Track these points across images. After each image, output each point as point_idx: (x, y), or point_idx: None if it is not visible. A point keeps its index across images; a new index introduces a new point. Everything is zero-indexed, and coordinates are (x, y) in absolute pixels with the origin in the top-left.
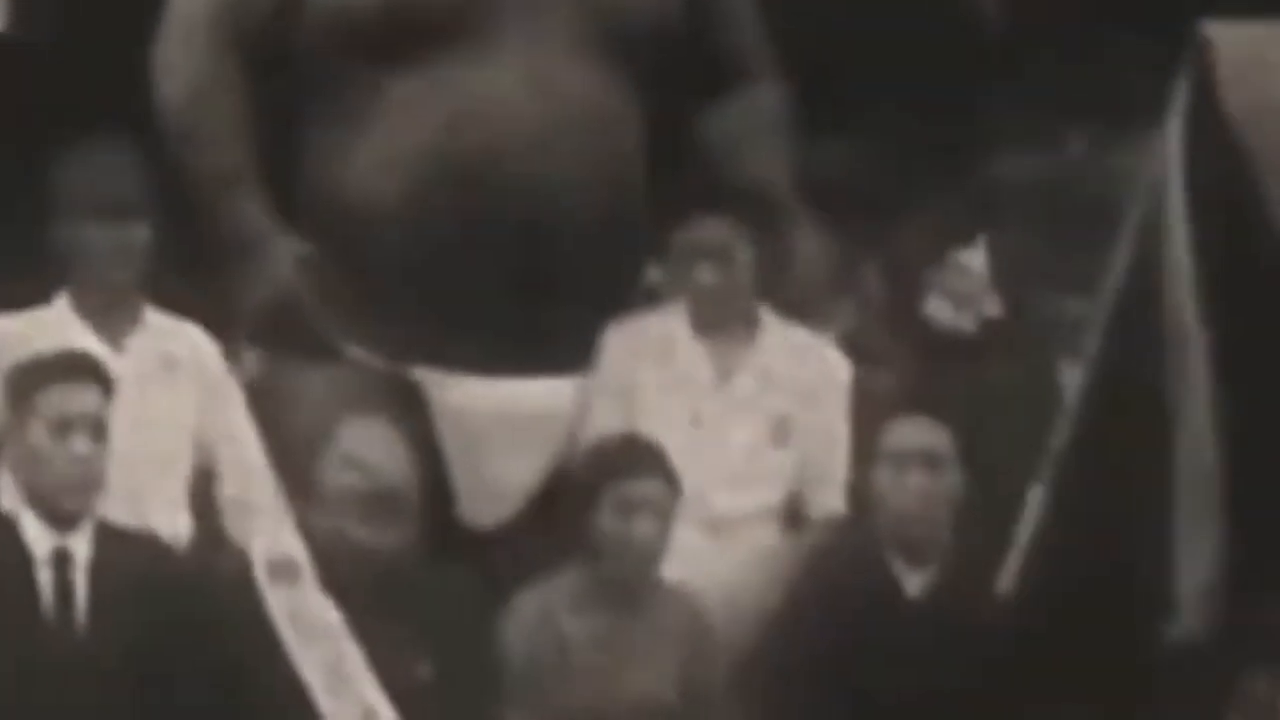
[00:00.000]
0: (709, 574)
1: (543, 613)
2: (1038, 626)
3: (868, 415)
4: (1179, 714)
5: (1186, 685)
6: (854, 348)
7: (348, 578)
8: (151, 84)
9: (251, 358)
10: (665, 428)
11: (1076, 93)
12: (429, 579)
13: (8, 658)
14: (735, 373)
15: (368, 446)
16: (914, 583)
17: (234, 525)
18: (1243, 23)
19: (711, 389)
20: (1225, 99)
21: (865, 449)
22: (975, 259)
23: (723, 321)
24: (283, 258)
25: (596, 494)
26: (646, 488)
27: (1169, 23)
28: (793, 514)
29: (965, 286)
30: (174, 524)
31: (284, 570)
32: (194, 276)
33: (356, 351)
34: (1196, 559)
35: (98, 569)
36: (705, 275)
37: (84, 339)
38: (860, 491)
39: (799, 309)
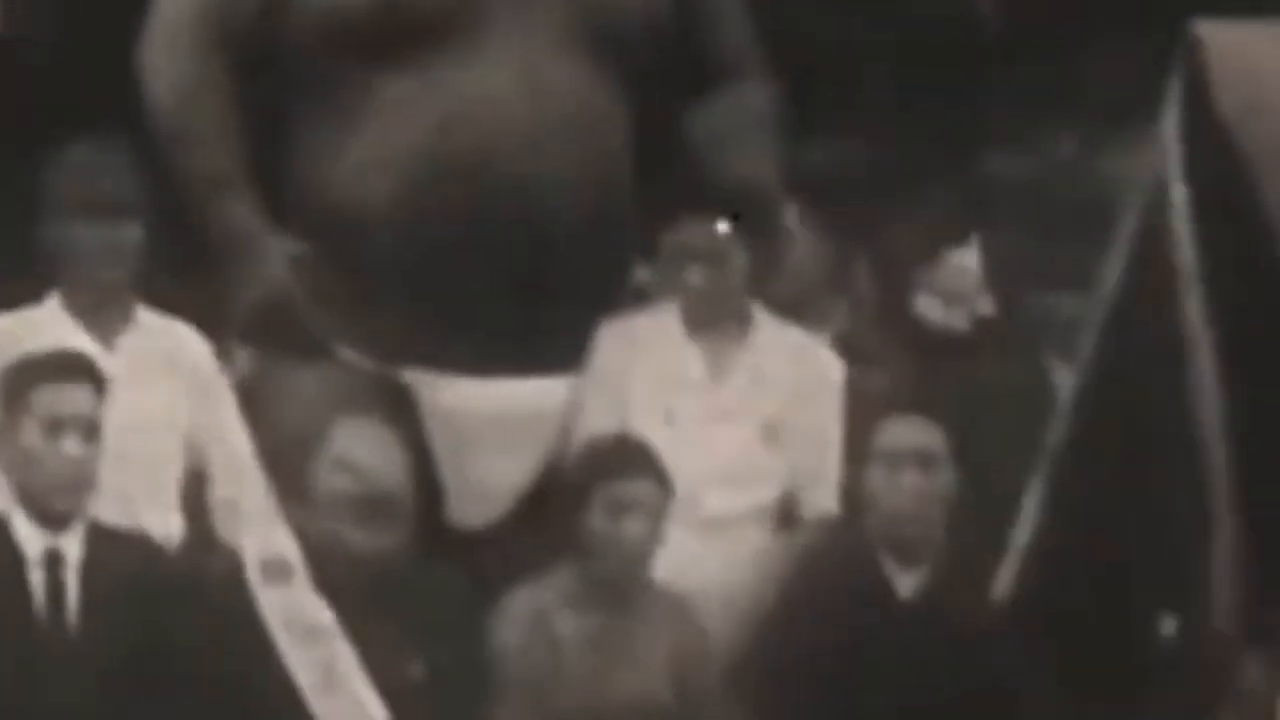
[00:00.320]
0: (701, 574)
1: (535, 612)
2: (1032, 627)
3: (861, 415)
4: (1174, 713)
5: (1182, 684)
6: (846, 347)
7: (340, 578)
8: (139, 85)
9: (243, 357)
10: (657, 427)
11: (1069, 92)
12: (421, 579)
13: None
14: (728, 372)
15: (361, 449)
16: (906, 583)
17: (225, 526)
18: (1234, 22)
19: (704, 389)
20: (1218, 99)
21: (858, 449)
22: (968, 258)
23: (715, 321)
24: (274, 257)
25: (588, 494)
26: (637, 488)
27: (1161, 22)
28: (785, 514)
29: (958, 285)
30: (166, 524)
31: (276, 570)
32: (186, 276)
33: (346, 352)
34: (1203, 559)
35: (89, 570)
36: (697, 277)
37: (76, 338)
38: (853, 491)
39: (794, 309)
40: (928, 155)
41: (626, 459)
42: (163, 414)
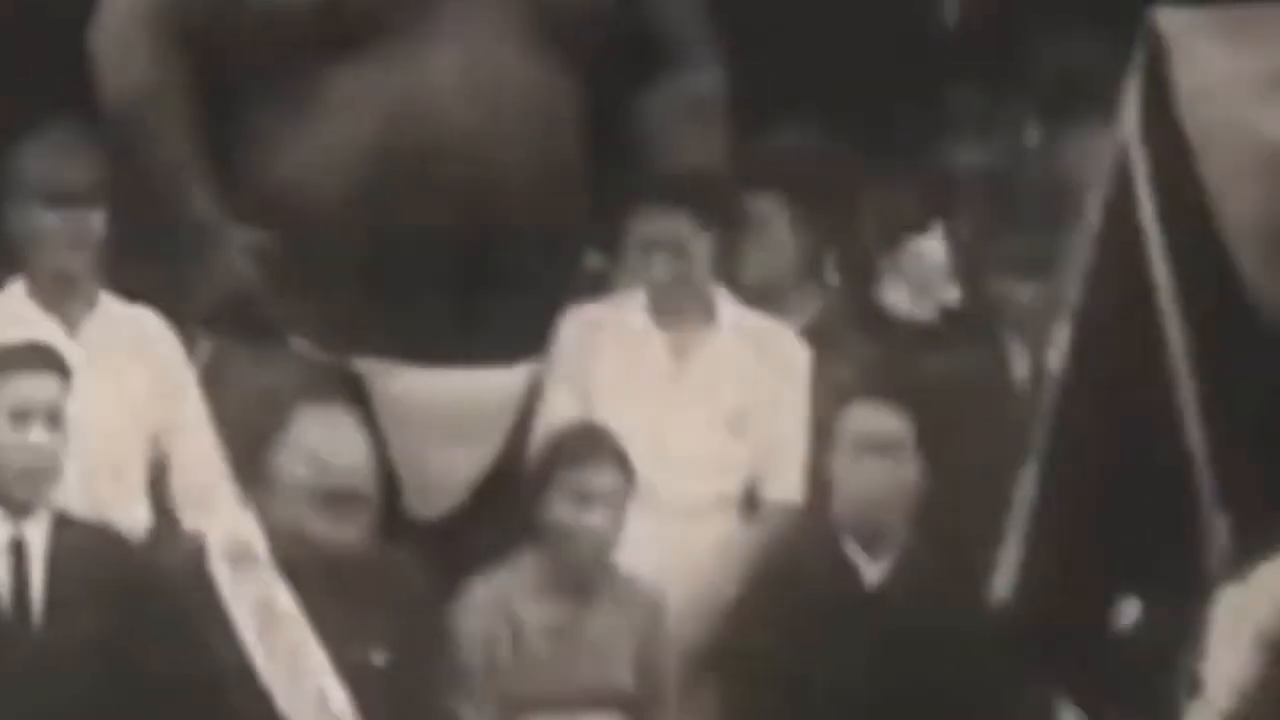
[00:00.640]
0: (665, 562)
1: (497, 601)
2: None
3: (826, 403)
4: (1137, 694)
5: (1147, 664)
6: (813, 335)
7: (302, 566)
8: (93, 73)
9: (205, 346)
10: (622, 416)
11: (1032, 80)
12: (383, 567)
13: None
14: (692, 361)
15: (324, 439)
16: (872, 571)
17: (188, 513)
18: (1193, 8)
19: (669, 378)
20: (1175, 85)
21: (823, 437)
22: (932, 246)
23: (680, 311)
24: (236, 247)
25: (550, 482)
26: (600, 477)
27: (1123, 10)
28: (750, 502)
29: (922, 274)
30: (131, 512)
31: (240, 558)
32: (149, 264)
33: (299, 342)
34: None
35: (54, 558)
36: (660, 267)
37: (40, 324)
38: (818, 479)
39: (765, 298)
40: (892, 144)
41: (590, 447)
42: (127, 401)
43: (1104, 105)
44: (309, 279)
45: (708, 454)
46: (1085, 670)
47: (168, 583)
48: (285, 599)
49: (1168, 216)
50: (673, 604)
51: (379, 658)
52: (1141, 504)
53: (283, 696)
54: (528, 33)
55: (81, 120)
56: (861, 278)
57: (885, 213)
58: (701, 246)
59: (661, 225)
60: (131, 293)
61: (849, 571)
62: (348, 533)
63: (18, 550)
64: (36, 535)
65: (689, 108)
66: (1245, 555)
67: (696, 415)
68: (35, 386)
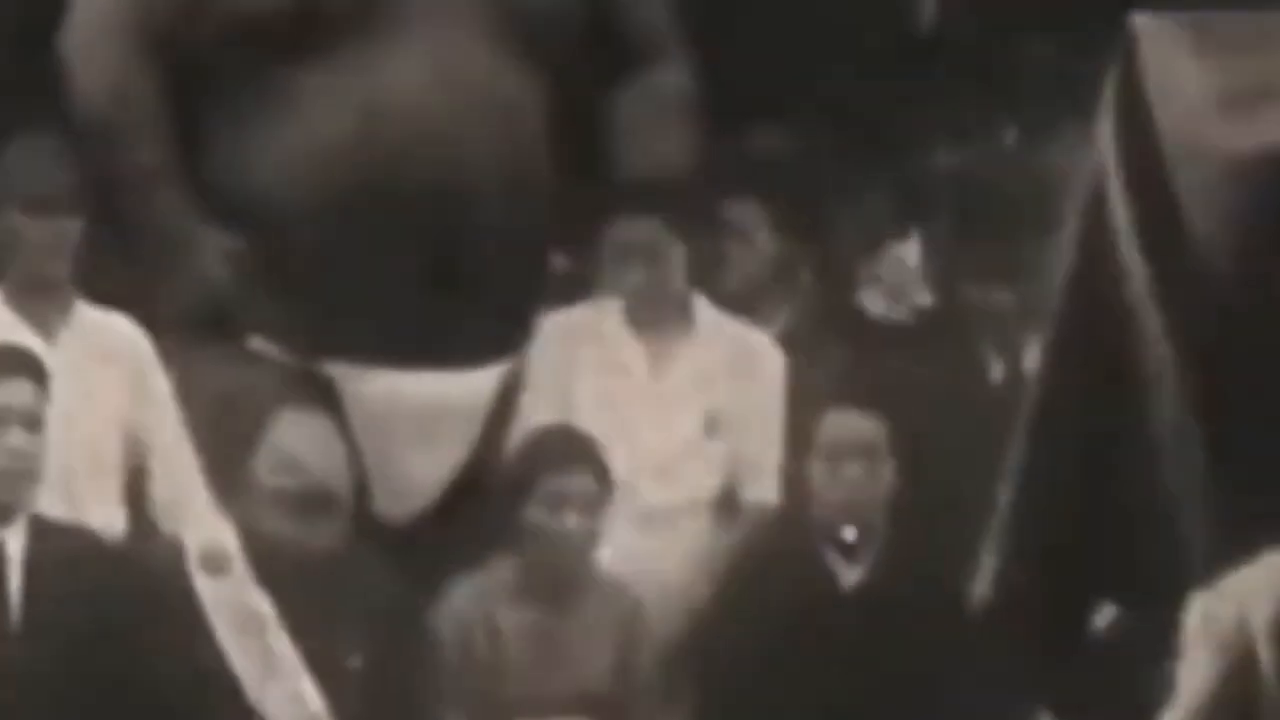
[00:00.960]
0: (642, 567)
1: (475, 605)
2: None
3: (802, 408)
4: (1113, 698)
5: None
6: (789, 340)
7: (278, 570)
8: (63, 77)
9: (180, 352)
10: (599, 420)
11: (1008, 85)
12: (359, 571)
13: None
14: (669, 366)
15: (300, 443)
16: (849, 576)
17: (165, 518)
18: (1172, 14)
19: (645, 382)
20: (1149, 90)
21: (800, 441)
22: (909, 251)
23: (657, 316)
24: (211, 252)
25: (528, 486)
26: (577, 482)
27: (1101, 14)
28: (726, 506)
29: (899, 278)
30: (108, 517)
31: (216, 562)
32: (123, 270)
33: (270, 347)
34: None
35: (32, 562)
36: (635, 273)
37: (16, 331)
38: (795, 484)
39: (743, 305)
40: (868, 149)
41: (568, 452)
42: (103, 407)
43: (1082, 110)
44: (278, 282)
45: (685, 458)
46: (1062, 674)
47: (145, 587)
48: (262, 603)
49: (1142, 224)
50: (651, 607)
51: (356, 661)
52: (1118, 508)
53: (259, 700)
54: (496, 34)
55: (58, 127)
56: (839, 283)
57: (862, 218)
58: (676, 252)
59: (634, 231)
60: (104, 298)
61: (826, 575)
62: (322, 536)
63: None
64: (15, 539)
65: (658, 107)
66: (1221, 560)
67: (673, 420)
68: (12, 391)
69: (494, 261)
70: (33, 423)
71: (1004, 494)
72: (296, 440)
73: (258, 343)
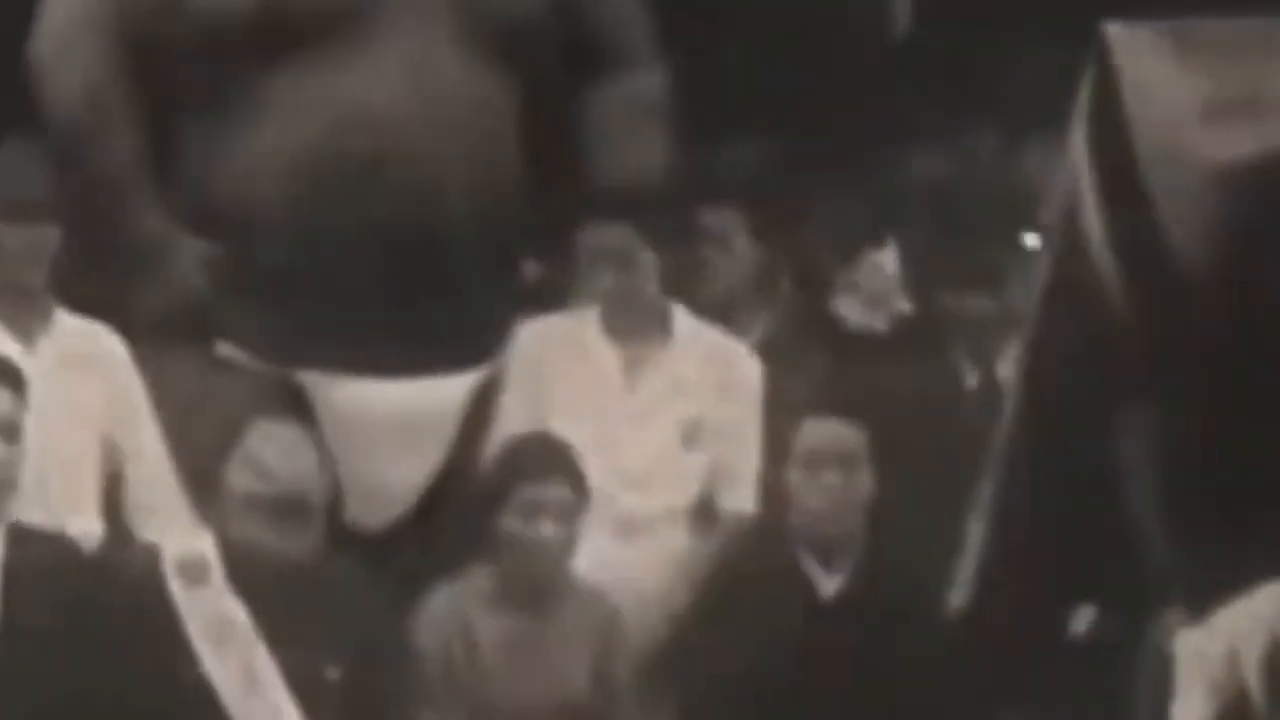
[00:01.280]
0: (620, 575)
1: (453, 614)
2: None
3: (780, 416)
4: (1091, 702)
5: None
6: (767, 348)
7: (254, 579)
8: (34, 83)
9: (156, 359)
10: (575, 429)
11: (986, 93)
12: (335, 580)
13: None
14: (646, 374)
15: (275, 451)
16: (828, 584)
17: (142, 526)
18: (1150, 23)
19: (622, 391)
20: (1124, 99)
21: (778, 450)
22: (886, 258)
23: (633, 324)
24: (187, 259)
25: (504, 495)
26: (553, 491)
27: (1077, 23)
28: (704, 515)
29: (876, 286)
30: (86, 525)
31: (194, 571)
32: (99, 277)
33: (242, 355)
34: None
35: (10, 570)
36: (608, 279)
37: None
38: (773, 492)
39: (721, 313)
40: (845, 156)
41: (544, 460)
42: (81, 415)
43: (1058, 119)
44: (251, 289)
45: (662, 467)
46: (1040, 679)
47: (123, 596)
48: (239, 613)
49: (1116, 230)
50: (629, 616)
51: (333, 672)
52: (1095, 513)
53: (236, 710)
54: (468, 41)
55: (35, 134)
56: (817, 291)
57: (840, 225)
58: (648, 259)
59: (605, 237)
60: (80, 305)
61: (804, 583)
62: (297, 544)
63: None
64: None
65: (630, 113)
66: (1198, 568)
67: (650, 428)
68: None
69: (466, 268)
70: (10, 431)
71: (981, 502)
72: (270, 447)
73: (229, 350)
